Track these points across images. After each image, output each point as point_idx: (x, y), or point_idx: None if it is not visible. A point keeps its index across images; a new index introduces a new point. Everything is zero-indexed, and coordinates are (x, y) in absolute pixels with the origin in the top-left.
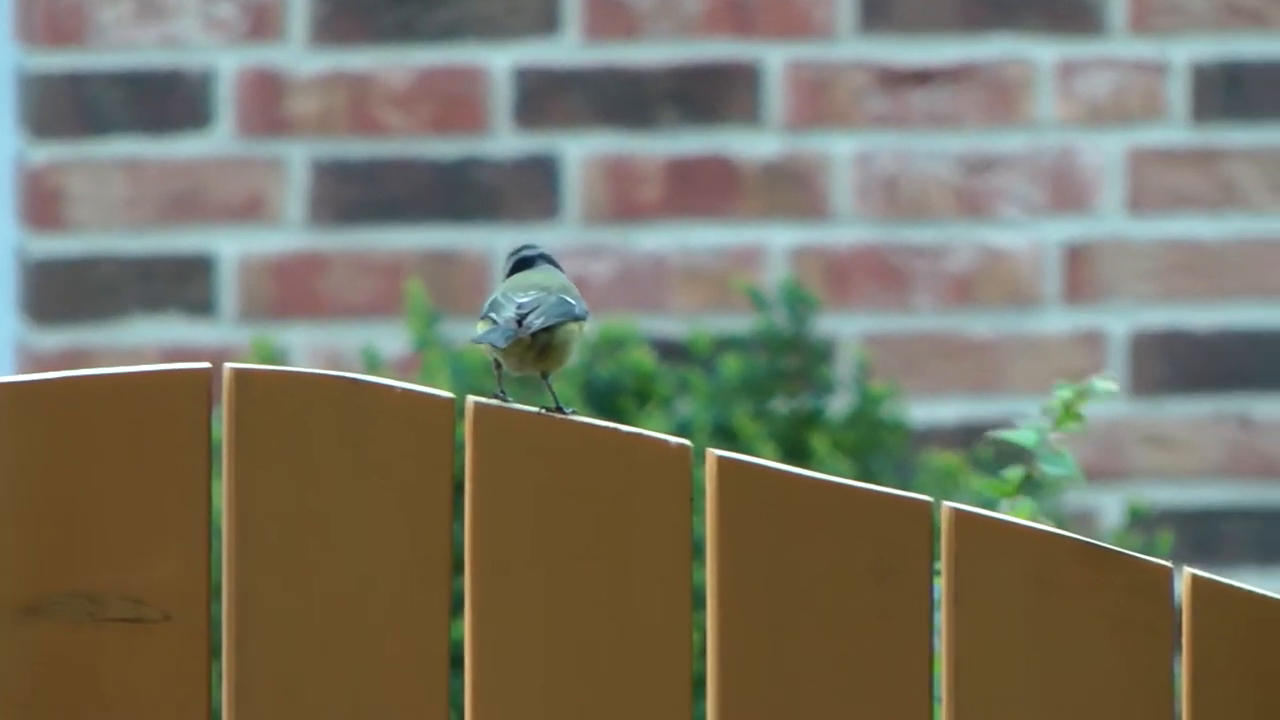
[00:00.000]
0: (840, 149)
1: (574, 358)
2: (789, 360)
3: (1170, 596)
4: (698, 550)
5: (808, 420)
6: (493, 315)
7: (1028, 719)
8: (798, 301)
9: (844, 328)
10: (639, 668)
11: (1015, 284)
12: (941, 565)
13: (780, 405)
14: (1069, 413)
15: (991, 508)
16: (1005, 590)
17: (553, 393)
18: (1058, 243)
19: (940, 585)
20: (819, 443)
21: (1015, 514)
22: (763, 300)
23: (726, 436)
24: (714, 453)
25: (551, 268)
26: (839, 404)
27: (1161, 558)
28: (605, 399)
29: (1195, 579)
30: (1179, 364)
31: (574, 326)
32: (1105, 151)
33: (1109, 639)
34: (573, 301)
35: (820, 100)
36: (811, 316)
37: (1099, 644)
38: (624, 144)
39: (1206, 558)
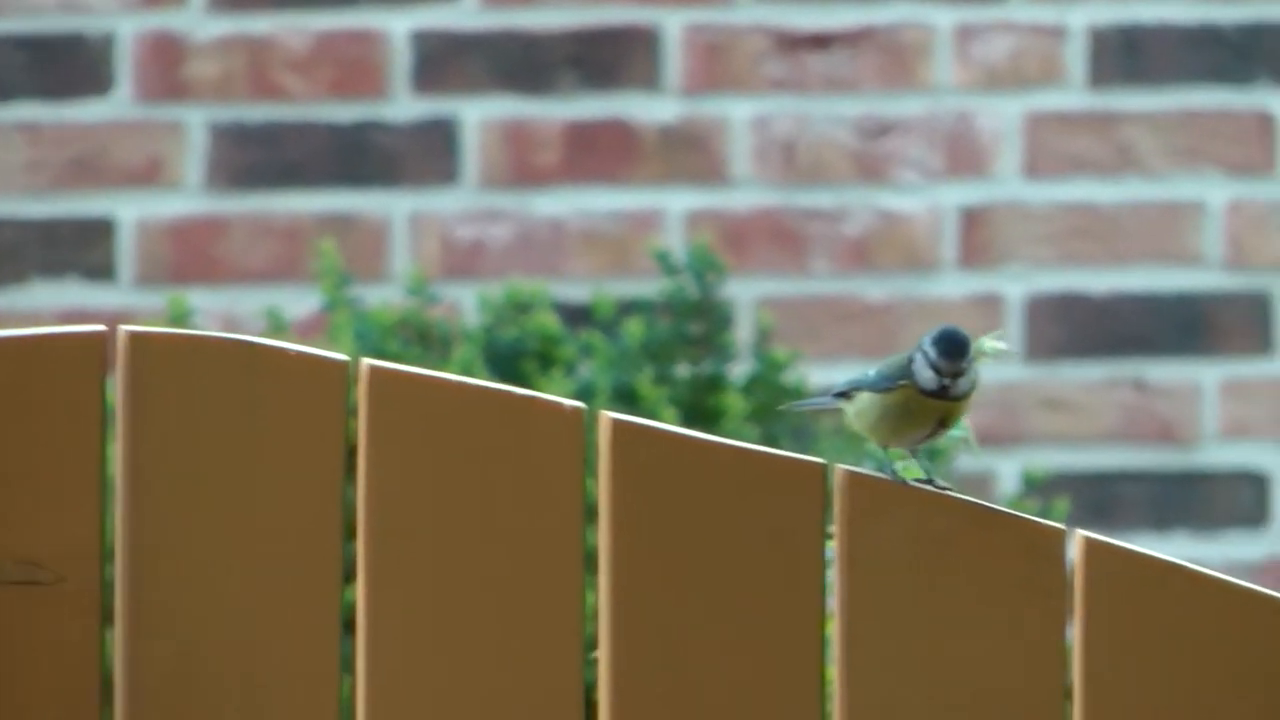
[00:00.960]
0: (738, 113)
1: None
2: (692, 325)
3: (1064, 559)
4: (594, 513)
5: (709, 385)
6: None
7: (920, 681)
8: (705, 266)
9: (742, 292)
10: (532, 630)
11: (912, 248)
12: (835, 528)
13: (682, 370)
14: None
15: (882, 470)
16: (898, 553)
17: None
18: (955, 207)
19: (834, 547)
20: (731, 403)
21: (906, 475)
22: (671, 264)
23: (628, 401)
24: (608, 415)
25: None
26: (739, 369)
27: (1058, 522)
28: (508, 362)
29: (1088, 541)
30: (1075, 328)
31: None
32: (1003, 116)
33: (1002, 601)
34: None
35: (718, 64)
36: (718, 281)
37: (992, 606)
38: (522, 108)
39: (1103, 521)
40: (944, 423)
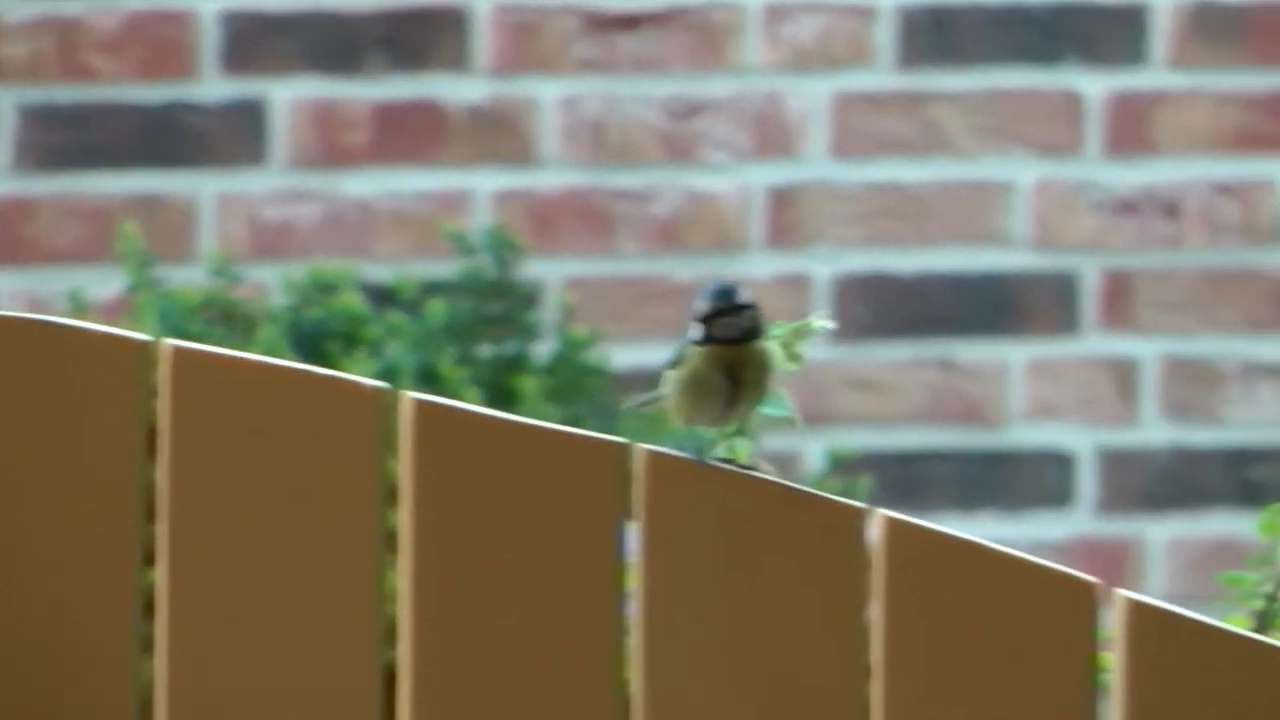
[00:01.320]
0: (547, 93)
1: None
2: (494, 305)
3: (864, 538)
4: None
5: (512, 365)
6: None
7: (721, 660)
8: (503, 246)
9: (550, 272)
10: (332, 610)
11: (721, 228)
12: (636, 507)
13: (485, 350)
14: (786, 352)
15: (685, 450)
16: (699, 532)
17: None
18: (763, 187)
19: (635, 527)
20: (528, 385)
21: (732, 455)
22: (468, 245)
23: (431, 381)
24: (409, 395)
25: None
26: (544, 349)
27: (860, 501)
28: (313, 343)
29: (889, 520)
30: (882, 308)
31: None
32: (811, 96)
33: (803, 581)
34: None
35: (527, 45)
36: (517, 261)
37: (793, 585)
38: (332, 89)
39: (909, 501)
40: (736, 381)
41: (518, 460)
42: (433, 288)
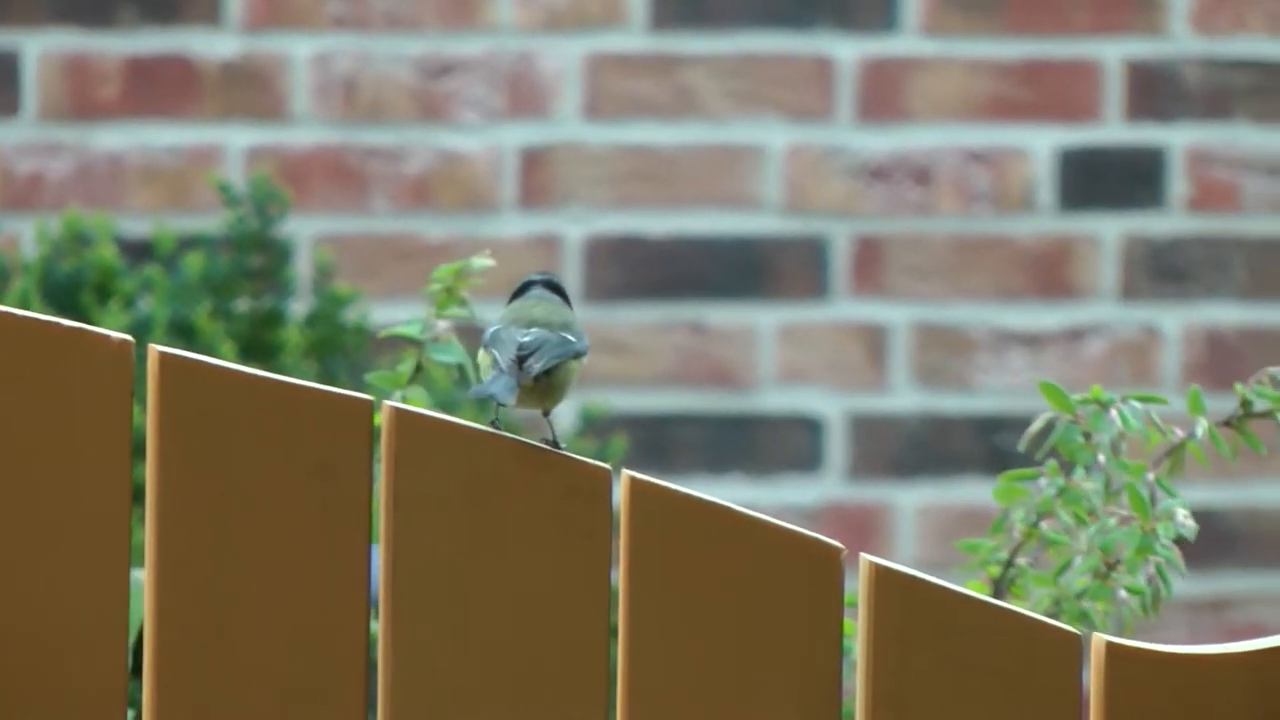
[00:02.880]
0: (299, 50)
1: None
2: (253, 259)
3: (609, 499)
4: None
5: (268, 320)
6: (495, 352)
7: (464, 619)
8: (266, 197)
9: (302, 229)
10: (79, 563)
11: (472, 187)
12: (381, 464)
13: (242, 305)
14: (450, 296)
15: (385, 399)
16: (444, 490)
17: (553, 430)
18: (515, 147)
19: (381, 483)
20: (290, 338)
21: (410, 404)
22: (232, 195)
23: (187, 335)
24: (156, 349)
25: (553, 297)
26: (298, 305)
27: (614, 463)
28: (66, 295)
29: (634, 481)
30: (633, 270)
31: (574, 364)
32: (563, 57)
33: (548, 540)
34: (573, 338)
35: (279, 1)
36: (280, 214)
37: (538, 545)
38: (83, 42)
39: (660, 463)
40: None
41: (264, 414)
42: (192, 242)
